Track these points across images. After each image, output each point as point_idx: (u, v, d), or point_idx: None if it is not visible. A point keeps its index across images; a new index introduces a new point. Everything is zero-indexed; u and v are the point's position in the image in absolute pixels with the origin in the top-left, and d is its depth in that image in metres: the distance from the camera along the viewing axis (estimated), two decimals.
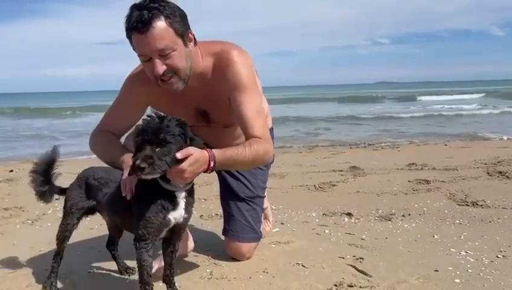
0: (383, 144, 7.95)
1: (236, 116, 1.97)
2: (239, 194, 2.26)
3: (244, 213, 2.26)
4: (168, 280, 1.83)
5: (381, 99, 28.94)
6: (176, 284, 1.85)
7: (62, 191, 2.03)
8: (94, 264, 2.27)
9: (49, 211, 3.42)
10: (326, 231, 2.74)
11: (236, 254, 2.24)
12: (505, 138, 8.26)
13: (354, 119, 14.52)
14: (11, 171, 5.41)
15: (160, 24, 1.76)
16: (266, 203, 2.64)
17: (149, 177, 1.56)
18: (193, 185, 1.74)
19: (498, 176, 4.23)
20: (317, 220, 3.01)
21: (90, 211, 1.95)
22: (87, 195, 1.90)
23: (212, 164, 1.72)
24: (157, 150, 1.53)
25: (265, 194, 2.47)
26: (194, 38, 1.91)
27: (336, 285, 1.93)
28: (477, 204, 3.25)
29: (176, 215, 1.68)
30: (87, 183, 1.91)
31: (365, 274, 2.05)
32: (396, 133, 9.99)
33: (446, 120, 13.52)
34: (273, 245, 2.48)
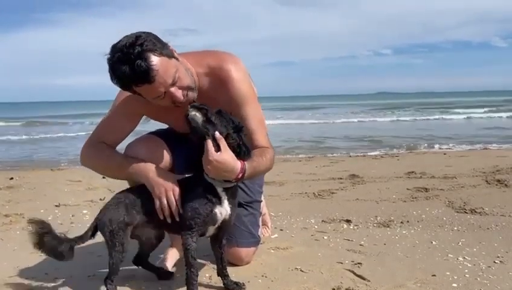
0: (382, 153, 7.98)
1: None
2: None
3: (242, 218, 2.27)
4: (222, 273, 1.99)
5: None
6: (229, 276, 1.99)
7: (81, 237, 1.97)
8: (94, 269, 2.28)
9: (49, 218, 3.44)
10: (325, 237, 2.75)
11: (235, 259, 2.25)
12: None
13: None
14: (12, 178, 5.43)
15: (158, 61, 1.74)
16: (264, 209, 2.66)
17: (192, 116, 1.74)
18: (236, 187, 1.89)
19: (496, 184, 4.25)
20: (316, 226, 3.03)
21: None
22: (131, 212, 1.89)
23: (240, 175, 1.80)
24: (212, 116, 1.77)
25: (262, 198, 2.48)
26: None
27: (334, 289, 1.95)
28: (475, 211, 3.26)
29: (222, 210, 1.84)
30: (126, 203, 1.89)
31: (363, 279, 2.06)
32: None
33: None
34: (272, 251, 2.49)
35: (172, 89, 1.82)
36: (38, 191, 4.65)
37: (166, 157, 2.05)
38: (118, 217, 1.85)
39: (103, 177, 4.23)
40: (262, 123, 2.06)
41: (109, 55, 1.76)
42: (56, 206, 3.84)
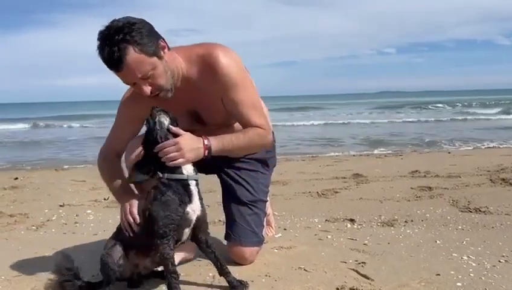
0: (386, 152, 7.96)
1: (233, 115, 2.06)
2: (240, 199, 2.28)
3: (246, 217, 2.27)
4: (223, 272, 1.96)
5: None
6: (231, 273, 1.96)
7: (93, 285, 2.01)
8: (97, 269, 2.28)
9: (53, 218, 3.46)
10: (329, 237, 2.74)
11: (239, 258, 2.25)
12: None
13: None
14: (16, 178, 5.46)
15: (133, 56, 1.79)
16: (269, 210, 2.66)
17: (162, 119, 1.80)
18: (197, 182, 1.88)
19: (501, 183, 4.23)
20: (319, 226, 3.02)
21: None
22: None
23: (206, 142, 1.89)
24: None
25: (268, 198, 2.48)
26: (167, 44, 1.93)
27: (338, 288, 1.94)
28: (480, 210, 3.25)
29: (194, 207, 1.82)
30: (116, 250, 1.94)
31: (367, 278, 2.05)
32: None
33: None
34: (276, 250, 2.49)
35: (141, 83, 1.88)
36: (42, 191, 4.68)
37: None
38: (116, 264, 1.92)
39: None
40: (256, 106, 2.06)
41: (103, 28, 1.82)
42: (60, 206, 3.86)
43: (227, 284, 2.00)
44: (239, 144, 2.01)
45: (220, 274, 1.98)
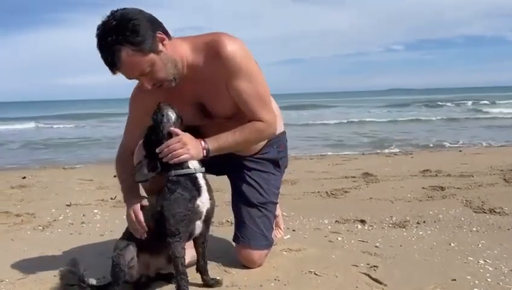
0: (396, 150, 7.87)
1: (239, 104, 2.02)
2: (250, 200, 2.22)
3: (256, 220, 2.21)
4: (203, 269, 1.96)
5: None
6: (209, 272, 1.97)
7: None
8: (103, 271, 2.24)
9: (60, 218, 3.43)
10: (339, 238, 2.68)
11: (247, 261, 2.20)
12: None
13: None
14: (24, 177, 5.46)
15: (127, 58, 1.77)
16: (278, 211, 2.60)
17: (170, 113, 1.82)
18: (204, 174, 1.87)
19: None
20: (329, 227, 2.96)
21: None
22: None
23: (203, 144, 1.89)
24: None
25: (278, 200, 2.42)
26: (166, 34, 1.88)
27: None
28: (494, 211, 3.16)
29: (203, 199, 1.81)
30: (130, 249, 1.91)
31: (380, 283, 1.98)
32: None
33: None
34: (285, 252, 2.43)
35: (140, 79, 1.88)
36: (50, 190, 4.66)
37: None
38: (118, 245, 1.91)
39: (114, 176, 4.23)
40: (261, 97, 2.01)
41: (100, 24, 1.78)
42: (67, 205, 3.84)
43: (235, 289, 1.95)
44: (236, 140, 1.99)
45: (197, 270, 1.97)
